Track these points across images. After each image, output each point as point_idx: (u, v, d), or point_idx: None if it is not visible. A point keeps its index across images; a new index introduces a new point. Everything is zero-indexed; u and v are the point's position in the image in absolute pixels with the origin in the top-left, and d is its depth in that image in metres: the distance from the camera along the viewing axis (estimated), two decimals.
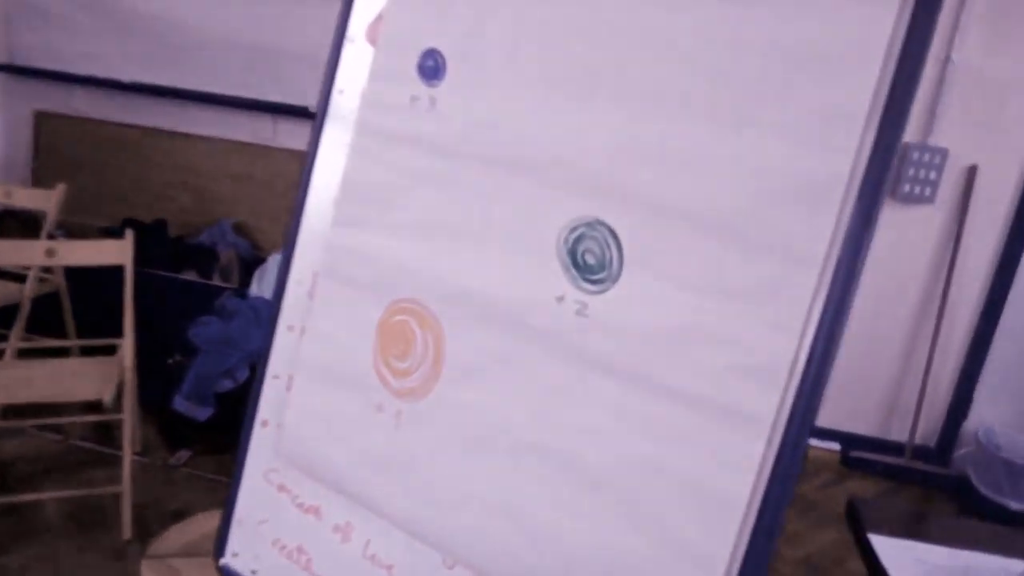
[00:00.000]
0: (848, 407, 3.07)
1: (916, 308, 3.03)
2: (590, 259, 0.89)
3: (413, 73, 1.01)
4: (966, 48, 2.71)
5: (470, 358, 0.97)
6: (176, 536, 1.52)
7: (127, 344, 2.19)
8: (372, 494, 1.04)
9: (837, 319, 0.76)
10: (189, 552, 1.35)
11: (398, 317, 1.03)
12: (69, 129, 3.37)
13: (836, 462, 3.07)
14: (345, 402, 1.07)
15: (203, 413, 2.54)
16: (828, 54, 0.76)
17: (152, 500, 2.29)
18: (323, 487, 1.09)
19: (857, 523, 1.44)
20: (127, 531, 2.10)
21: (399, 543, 1.03)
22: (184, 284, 2.91)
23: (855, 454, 3.06)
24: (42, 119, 3.39)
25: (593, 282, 0.89)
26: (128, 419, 2.12)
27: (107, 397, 2.07)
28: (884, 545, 1.38)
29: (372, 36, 1.05)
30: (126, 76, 3.24)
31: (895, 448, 3.08)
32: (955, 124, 2.78)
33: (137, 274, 2.18)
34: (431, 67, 1.00)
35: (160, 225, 3.18)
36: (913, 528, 1.55)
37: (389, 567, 1.04)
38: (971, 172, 2.82)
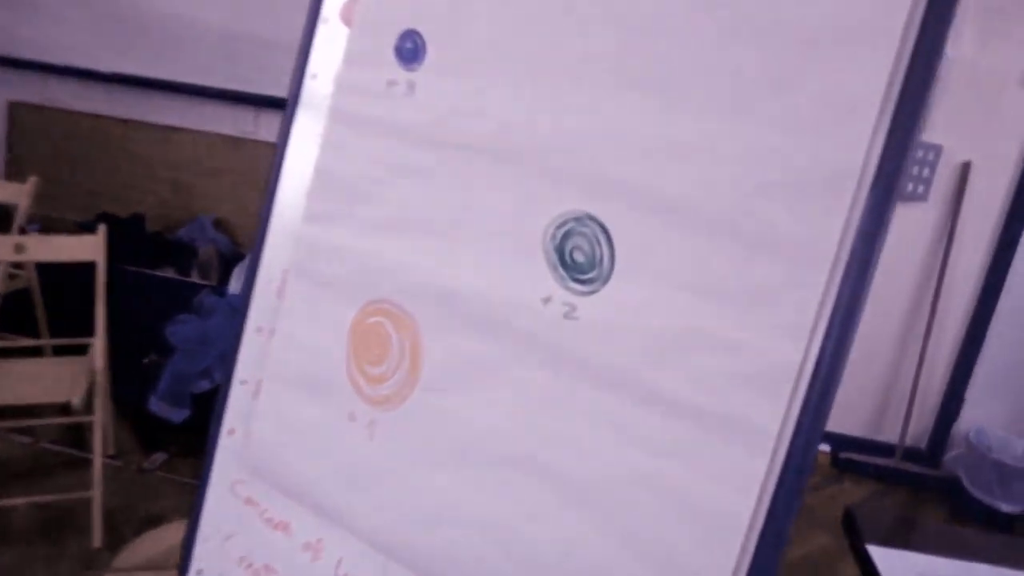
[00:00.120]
0: (838, 407, 3.03)
1: (908, 308, 3.00)
2: (579, 257, 0.83)
3: (390, 56, 0.94)
4: (960, 44, 2.68)
5: (449, 364, 0.90)
6: (143, 548, 1.45)
7: (98, 344, 2.12)
8: (344, 509, 0.97)
9: (848, 324, 0.70)
10: (154, 566, 1.28)
11: (373, 319, 0.96)
12: (44, 120, 3.29)
13: (826, 463, 3.04)
14: (316, 410, 1.00)
15: (179, 415, 2.47)
16: (839, 36, 0.70)
17: (125, 506, 2.22)
18: (293, 501, 1.02)
19: (854, 533, 1.39)
20: (98, 539, 2.03)
21: (373, 562, 0.96)
22: (161, 281, 2.84)
23: (845, 455, 3.03)
24: (16, 110, 3.30)
25: (582, 282, 0.82)
26: (99, 422, 2.05)
27: (76, 399, 2.00)
28: (883, 556, 1.33)
29: (347, 16, 0.98)
30: (104, 66, 3.17)
31: (886, 449, 3.06)
32: (949, 120, 2.75)
33: (112, 270, 2.12)
34: (409, 49, 0.93)
35: (137, 220, 3.11)
36: (912, 538, 1.51)
37: None
38: (965, 168, 2.79)
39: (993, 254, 2.88)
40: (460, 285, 0.90)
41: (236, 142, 3.15)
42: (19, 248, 2.05)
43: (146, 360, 2.53)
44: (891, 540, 1.38)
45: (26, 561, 1.95)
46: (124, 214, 3.12)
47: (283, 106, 1.02)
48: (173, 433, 2.46)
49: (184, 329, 2.55)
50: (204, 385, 2.45)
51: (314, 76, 1.02)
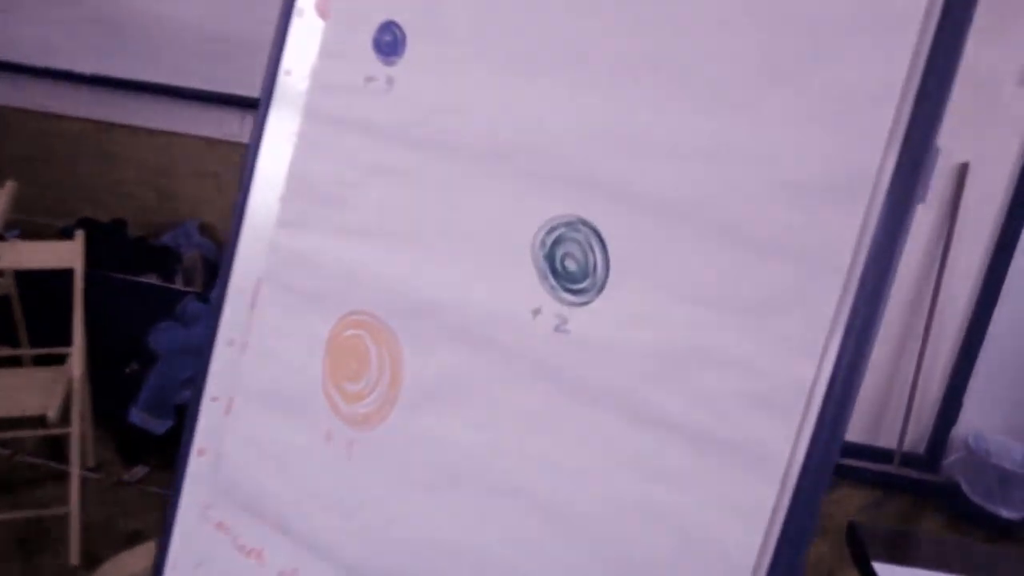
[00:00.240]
0: None
1: (905, 311, 2.96)
2: (571, 265, 0.77)
3: (368, 49, 0.88)
4: None
5: (431, 381, 0.84)
6: (116, 571, 1.38)
7: (76, 353, 2.06)
8: (321, 536, 0.91)
9: (864, 338, 0.64)
10: None
11: (350, 332, 0.90)
12: (24, 124, 3.22)
13: None
14: (290, 429, 0.94)
15: (161, 426, 2.41)
16: (853, 24, 0.64)
17: (104, 521, 2.16)
18: (267, 527, 0.96)
19: (859, 549, 1.34)
20: (75, 556, 1.97)
21: None
22: (144, 287, 2.78)
23: (843, 461, 2.98)
24: None
25: (574, 292, 0.76)
26: (76, 435, 2.00)
27: (52, 412, 1.94)
28: (890, 575, 1.28)
29: (323, 8, 0.92)
30: (86, 68, 3.10)
31: (884, 455, 3.01)
32: (946, 121, 2.70)
33: (94, 277, 2.07)
34: (388, 42, 0.87)
35: (119, 225, 3.05)
36: (918, 554, 1.45)
37: None
38: (962, 170, 2.75)
39: (991, 256, 2.84)
40: (443, 296, 0.84)
41: (222, 145, 3.09)
42: None
43: (128, 369, 2.48)
44: (897, 556, 1.33)
45: None
46: (106, 219, 3.06)
47: None
48: (155, 445, 2.40)
49: (167, 337, 2.50)
50: (187, 395, 2.38)
51: (288, 72, 0.96)
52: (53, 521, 2.03)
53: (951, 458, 2.96)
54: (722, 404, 0.69)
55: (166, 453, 2.41)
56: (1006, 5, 2.66)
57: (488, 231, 0.81)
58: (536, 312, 0.78)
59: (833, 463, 0.66)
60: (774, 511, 0.66)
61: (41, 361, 2.36)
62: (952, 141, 2.74)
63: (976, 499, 2.71)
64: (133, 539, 2.09)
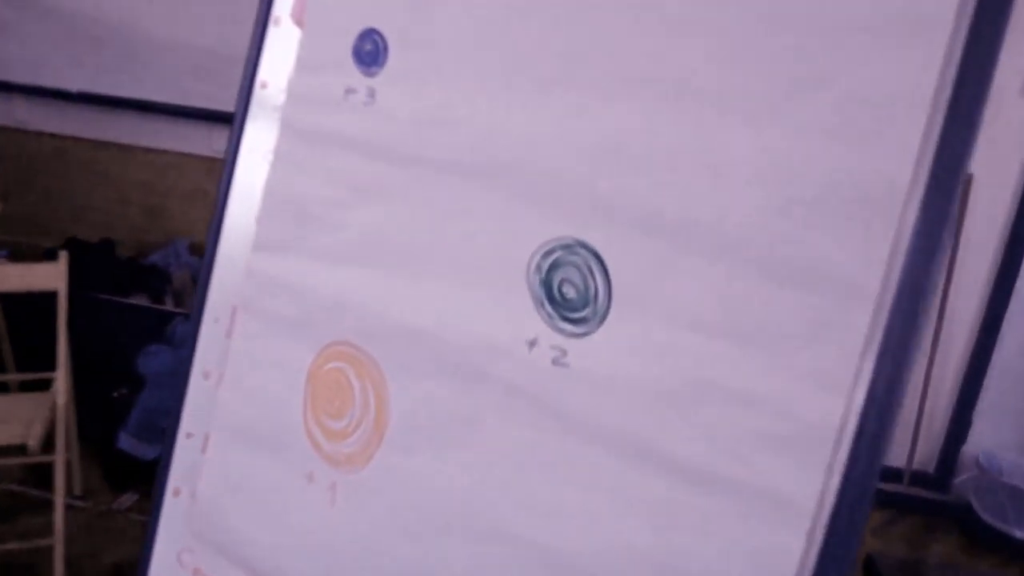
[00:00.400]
0: None
1: None
2: (569, 292, 0.70)
3: (348, 59, 0.83)
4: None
5: (419, 418, 0.78)
6: None
7: (60, 378, 2.02)
8: None
9: (898, 372, 0.58)
10: None
11: (332, 364, 0.83)
12: (11, 142, 3.19)
13: None
14: (270, 470, 0.87)
15: (151, 452, 2.35)
16: (881, 26, 0.58)
17: (90, 551, 2.10)
18: (245, 574, 0.88)
19: None
20: None
21: None
22: (132, 309, 2.72)
23: None
24: None
25: (573, 321, 0.70)
26: (60, 463, 1.94)
27: (32, 441, 1.89)
28: None
29: (300, 16, 0.86)
30: (73, 85, 3.07)
31: (893, 474, 2.95)
32: None
33: (81, 299, 2.06)
34: (369, 52, 0.81)
35: (107, 245, 2.99)
36: None
37: None
38: (967, 182, 2.71)
39: (998, 270, 2.80)
40: (431, 325, 0.78)
41: (212, 163, 3.04)
42: None
43: (116, 393, 2.43)
44: None
45: None
46: (95, 239, 3.01)
47: None
48: (144, 471, 2.34)
49: (156, 360, 2.45)
50: None
51: (264, 85, 0.90)
52: (37, 552, 1.97)
53: (962, 477, 2.91)
54: (739, 446, 0.62)
55: (155, 480, 2.34)
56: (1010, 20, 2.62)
57: (478, 255, 0.75)
58: (532, 343, 0.72)
59: (866, 513, 0.59)
60: (801, 566, 0.59)
61: (28, 386, 2.30)
62: None
63: (988, 519, 2.65)
64: (119, 571, 2.02)
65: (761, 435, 0.61)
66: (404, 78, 0.80)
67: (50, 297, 1.99)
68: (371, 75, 0.82)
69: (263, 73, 0.90)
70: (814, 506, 0.60)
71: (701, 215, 0.65)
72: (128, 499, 2.32)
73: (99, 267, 2.77)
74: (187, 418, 0.95)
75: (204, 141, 3.05)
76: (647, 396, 0.66)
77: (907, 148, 0.57)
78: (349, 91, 0.83)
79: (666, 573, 0.65)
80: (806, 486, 0.60)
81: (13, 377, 2.45)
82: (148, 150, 3.09)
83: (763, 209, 0.62)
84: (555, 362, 0.71)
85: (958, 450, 2.92)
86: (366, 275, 0.82)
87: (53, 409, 1.96)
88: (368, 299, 0.81)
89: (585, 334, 0.70)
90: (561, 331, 0.71)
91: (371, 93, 0.82)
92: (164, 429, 2.36)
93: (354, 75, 0.82)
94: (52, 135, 3.14)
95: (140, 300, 2.81)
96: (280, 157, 0.87)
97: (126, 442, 2.34)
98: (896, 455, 2.93)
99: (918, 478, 2.90)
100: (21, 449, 1.96)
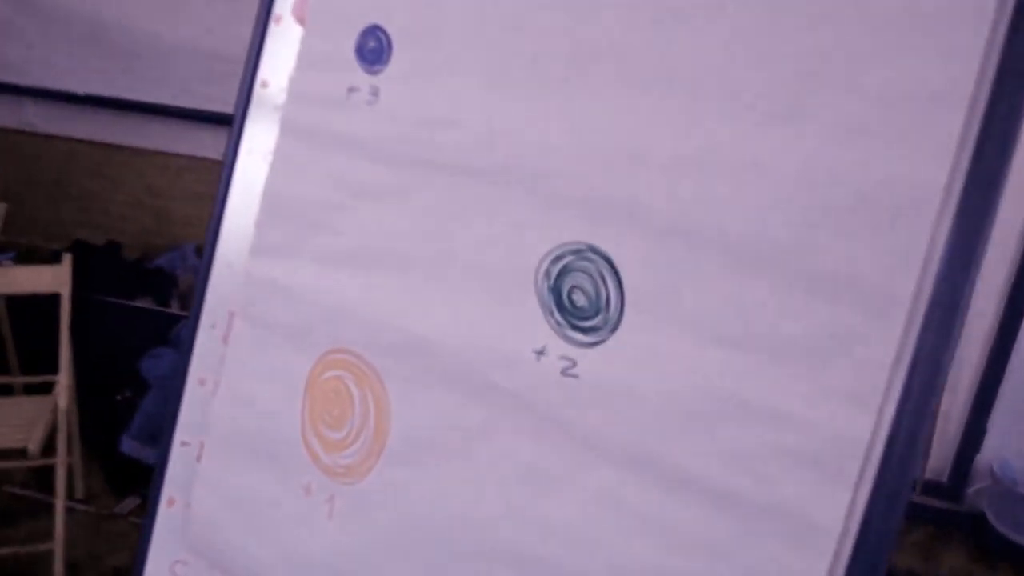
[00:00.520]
0: None
1: None
2: (580, 299, 0.67)
3: (350, 57, 0.80)
4: None
5: (421, 429, 0.75)
6: None
7: (63, 381, 2.01)
8: None
9: (930, 387, 0.54)
10: None
11: (331, 373, 0.80)
12: (19, 145, 3.19)
13: None
14: (265, 481, 0.84)
15: (153, 456, 2.31)
16: (913, 16, 0.55)
17: (91, 555, 2.08)
18: None
19: None
20: None
21: None
22: (138, 312, 2.72)
23: None
24: None
25: (584, 330, 0.67)
26: (62, 466, 1.94)
27: (32, 445, 1.88)
28: None
29: (301, 13, 0.83)
30: (81, 88, 3.07)
31: None
32: None
33: (86, 301, 2.06)
34: (373, 49, 0.78)
35: (114, 247, 2.99)
36: None
37: None
38: None
39: (1015, 274, 2.75)
40: (434, 333, 0.75)
41: (219, 166, 3.02)
42: None
43: (120, 396, 2.41)
44: None
45: None
46: (102, 241, 3.01)
47: None
48: (146, 476, 2.31)
49: (160, 364, 2.43)
50: None
51: (265, 84, 0.87)
52: (38, 556, 1.95)
53: (975, 487, 2.86)
54: (761, 464, 0.59)
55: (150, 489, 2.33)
56: None
57: (484, 260, 0.72)
58: (540, 353, 0.69)
59: (895, 535, 0.55)
60: None
61: (33, 389, 2.30)
62: None
63: (1002, 530, 2.61)
64: (119, 575, 2.01)
65: (784, 453, 0.58)
66: (408, 76, 0.77)
67: (56, 299, 1.99)
68: (374, 73, 0.79)
69: (264, 72, 0.88)
70: (840, 528, 0.56)
71: (720, 219, 0.61)
72: (130, 503, 2.31)
73: (105, 270, 2.77)
74: (182, 426, 0.92)
75: (213, 144, 3.04)
76: (661, 410, 0.63)
77: (943, 149, 0.54)
78: (351, 90, 0.80)
79: None
80: (832, 507, 0.56)
81: (17, 380, 2.44)
82: (156, 153, 3.09)
83: (786, 214, 0.58)
84: (564, 373, 0.68)
85: (972, 459, 2.87)
86: (367, 281, 0.79)
87: (55, 412, 1.96)
88: (369, 306, 0.78)
89: (596, 343, 0.67)
90: (571, 340, 0.68)
91: (374, 92, 0.79)
92: None
93: (357, 73, 0.80)
94: (61, 138, 3.14)
95: (145, 303, 2.81)
96: (279, 158, 0.85)
97: (129, 446, 2.33)
98: None
99: (931, 487, 2.85)
100: (22, 452, 1.95)
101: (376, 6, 0.78)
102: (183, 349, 0.92)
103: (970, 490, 2.87)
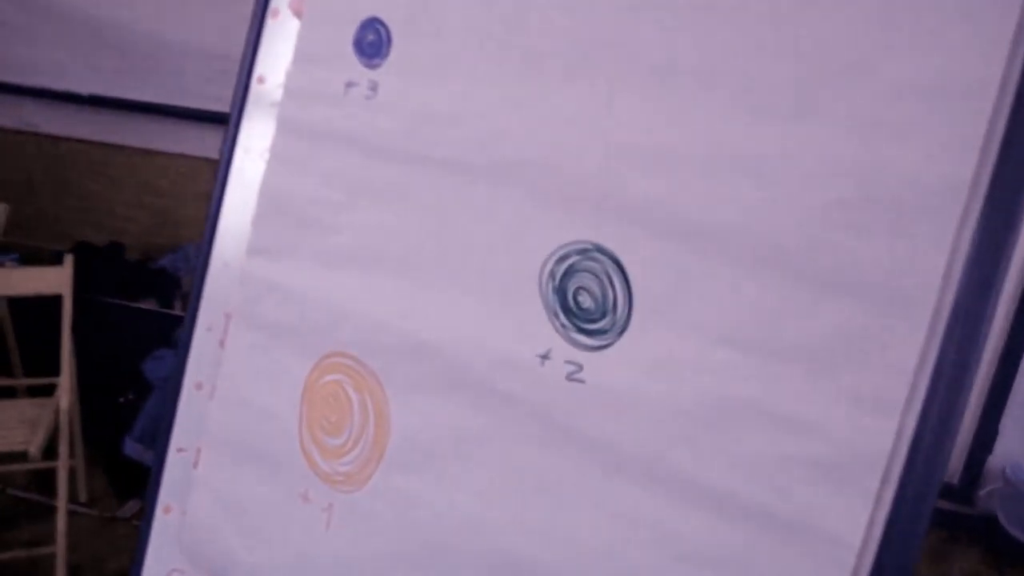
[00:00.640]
0: None
1: None
2: (586, 301, 0.65)
3: (348, 51, 0.77)
4: None
5: (421, 436, 0.73)
6: None
7: (64, 383, 1.99)
8: None
9: (956, 393, 0.52)
10: None
11: (329, 377, 0.78)
12: (21, 145, 3.18)
13: None
14: (262, 489, 0.82)
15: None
16: (940, 9, 0.52)
17: (93, 559, 2.07)
18: None
19: None
20: None
21: None
22: (141, 313, 2.71)
23: None
24: None
25: (590, 333, 0.65)
26: (63, 469, 1.92)
27: (33, 448, 1.86)
28: None
29: (298, 6, 0.81)
30: (84, 88, 3.06)
31: None
32: None
33: (88, 303, 2.03)
34: (371, 42, 0.76)
35: (116, 248, 2.98)
36: None
37: None
38: None
39: None
40: (435, 336, 0.73)
41: None
42: None
43: (122, 398, 2.40)
44: None
45: None
46: (104, 242, 3.00)
47: None
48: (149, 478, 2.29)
49: (162, 365, 2.42)
50: None
51: (261, 80, 0.85)
52: (40, 560, 1.94)
53: (987, 489, 2.83)
54: (776, 474, 0.56)
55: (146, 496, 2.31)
56: None
57: (487, 260, 0.70)
58: (544, 357, 0.66)
59: (918, 550, 0.52)
60: None
61: (36, 391, 2.29)
62: None
63: (1015, 532, 2.58)
64: None
65: (801, 462, 0.55)
66: (408, 70, 0.74)
67: (56, 301, 1.98)
68: (373, 67, 0.76)
69: (260, 68, 0.85)
70: (860, 542, 0.53)
71: (733, 217, 0.58)
72: (133, 506, 2.29)
73: (108, 271, 2.76)
74: (178, 431, 0.90)
75: (216, 144, 3.01)
76: (670, 417, 0.60)
77: (969, 143, 0.51)
78: (350, 84, 0.77)
79: None
80: (851, 520, 0.54)
81: (19, 382, 2.43)
82: (159, 153, 3.08)
83: (803, 212, 0.56)
84: (569, 377, 0.65)
85: (983, 461, 2.84)
86: (366, 282, 0.76)
87: (57, 414, 1.94)
88: (368, 308, 0.76)
89: (603, 347, 0.64)
90: (576, 344, 0.65)
91: (373, 86, 0.76)
92: None
93: (355, 67, 0.77)
94: (63, 138, 3.13)
95: (148, 304, 2.80)
96: (276, 156, 0.82)
97: (132, 448, 2.31)
98: None
99: (942, 490, 2.81)
100: (24, 455, 1.93)
101: None
102: (179, 352, 0.90)
103: (981, 492, 2.83)
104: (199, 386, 0.89)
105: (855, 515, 0.53)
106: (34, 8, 3.01)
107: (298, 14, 0.82)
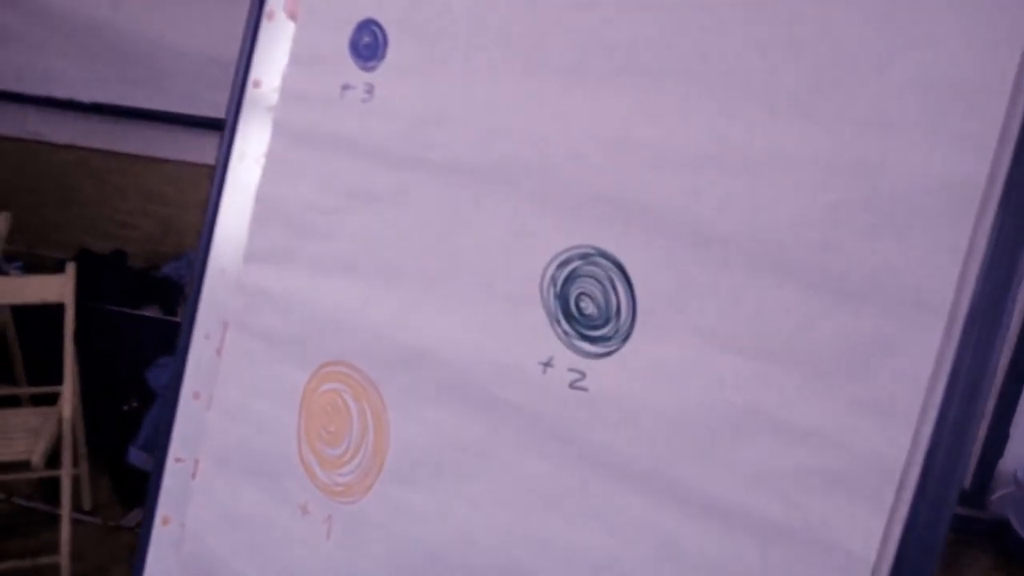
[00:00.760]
0: None
1: None
2: (588, 307, 0.63)
3: (344, 53, 0.76)
4: None
5: (422, 446, 0.71)
6: None
7: (67, 392, 1.99)
8: None
9: (972, 402, 0.50)
10: None
11: (327, 386, 0.77)
12: (24, 153, 3.19)
13: None
14: (261, 500, 0.81)
15: None
16: (952, 3, 0.50)
17: (98, 568, 2.06)
18: None
19: None
20: None
21: None
22: (144, 321, 2.71)
23: None
24: None
25: (593, 340, 0.63)
26: (67, 478, 1.92)
27: (36, 457, 1.86)
28: None
29: (294, 9, 0.80)
30: (86, 96, 3.07)
31: None
32: None
33: (92, 311, 2.03)
34: (368, 44, 0.75)
35: (119, 256, 2.99)
36: None
37: None
38: None
39: None
40: (434, 344, 0.71)
41: None
42: None
43: (126, 406, 2.40)
44: None
45: None
46: (107, 250, 3.00)
47: None
48: None
49: (166, 373, 2.41)
50: None
51: (257, 84, 0.84)
52: (44, 569, 1.93)
53: (998, 493, 2.81)
54: (785, 485, 0.54)
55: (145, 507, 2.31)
56: None
57: (486, 266, 0.68)
58: (546, 365, 0.64)
59: (934, 566, 0.50)
60: None
61: (40, 400, 2.28)
62: None
63: None
64: None
65: (811, 473, 0.53)
66: (405, 72, 0.73)
67: (59, 309, 1.98)
68: (369, 70, 0.75)
69: (256, 71, 0.84)
70: (874, 556, 0.51)
71: (740, 220, 0.57)
72: (137, 515, 2.29)
73: (111, 278, 2.76)
74: (176, 442, 0.89)
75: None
76: (677, 426, 0.58)
77: (983, 142, 0.49)
78: (346, 87, 0.76)
79: None
80: (864, 533, 0.52)
81: (24, 391, 2.43)
82: (162, 161, 3.08)
83: (812, 214, 0.54)
84: (572, 385, 0.64)
85: (994, 465, 2.81)
86: (364, 289, 0.75)
87: (60, 423, 1.94)
88: (366, 315, 0.74)
89: (606, 354, 0.62)
90: (579, 351, 0.64)
91: (369, 89, 0.75)
92: None
93: (351, 70, 0.76)
94: (65, 146, 3.14)
95: (152, 312, 2.80)
96: (272, 160, 0.81)
97: (136, 457, 2.30)
98: None
99: None
100: (28, 464, 1.93)
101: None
102: (176, 361, 0.89)
103: (993, 496, 2.81)
104: (197, 395, 0.88)
105: (869, 528, 0.51)
106: (37, 17, 3.02)
107: (293, 16, 0.81)
